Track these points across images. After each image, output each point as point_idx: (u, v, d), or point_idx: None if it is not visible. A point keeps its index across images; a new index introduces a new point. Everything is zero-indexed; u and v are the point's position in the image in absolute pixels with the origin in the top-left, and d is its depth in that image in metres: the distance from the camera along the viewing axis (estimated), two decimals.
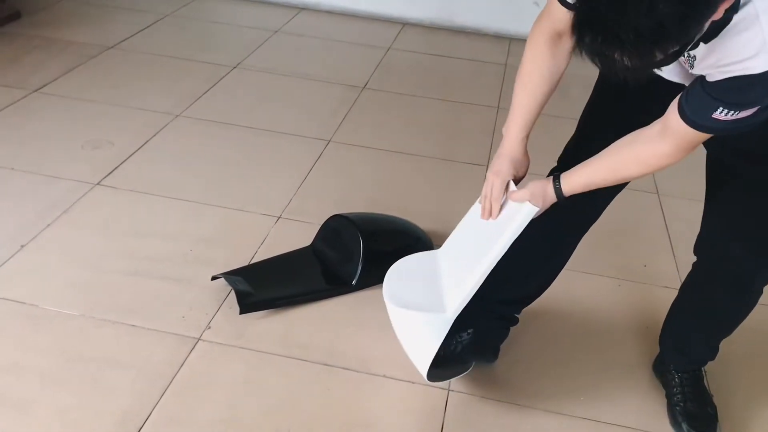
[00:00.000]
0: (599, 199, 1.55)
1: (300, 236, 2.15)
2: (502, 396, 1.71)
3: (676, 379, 1.71)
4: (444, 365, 1.63)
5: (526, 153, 1.49)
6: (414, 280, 1.60)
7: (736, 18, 1.07)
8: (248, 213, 2.28)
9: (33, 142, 2.56)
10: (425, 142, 2.83)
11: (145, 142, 2.62)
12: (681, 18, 0.95)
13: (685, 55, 1.19)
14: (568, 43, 1.39)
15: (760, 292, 1.54)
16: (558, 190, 1.42)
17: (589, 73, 1.57)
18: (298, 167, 2.56)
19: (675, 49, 1.02)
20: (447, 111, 3.11)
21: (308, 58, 3.55)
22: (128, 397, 1.59)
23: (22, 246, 2.02)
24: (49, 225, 2.12)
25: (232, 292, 1.89)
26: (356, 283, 1.97)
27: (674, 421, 1.68)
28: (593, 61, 1.04)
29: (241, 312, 1.84)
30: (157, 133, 2.69)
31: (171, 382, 1.64)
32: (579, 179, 1.41)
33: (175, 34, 3.69)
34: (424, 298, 1.55)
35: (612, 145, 1.36)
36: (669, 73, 1.34)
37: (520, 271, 1.65)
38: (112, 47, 3.40)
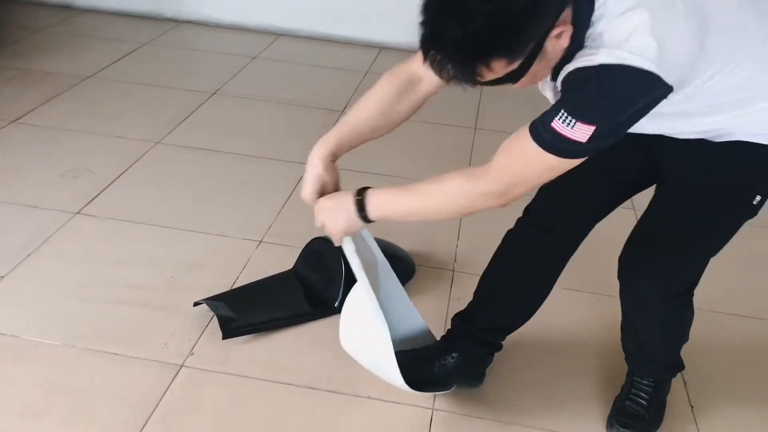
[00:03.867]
0: (580, 224, 1.59)
1: (282, 260, 2.15)
2: (486, 413, 1.72)
3: (629, 380, 1.72)
4: (425, 387, 1.64)
5: (330, 169, 1.45)
6: (358, 317, 1.59)
7: (587, 42, 1.13)
8: (229, 238, 2.28)
9: (12, 172, 2.55)
10: (404, 164, 2.86)
11: (125, 170, 2.62)
12: (490, 29, 1.03)
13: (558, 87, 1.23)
14: (424, 88, 1.43)
15: (662, 311, 1.56)
16: (361, 210, 1.35)
17: None
18: (279, 191, 2.57)
19: (512, 68, 1.08)
20: (425, 132, 3.14)
21: (287, 84, 3.58)
22: (112, 426, 1.58)
23: (2, 277, 2.01)
24: (29, 255, 2.11)
25: (215, 317, 1.89)
26: (339, 305, 1.98)
27: (608, 422, 1.70)
28: (439, 75, 1.10)
29: (224, 337, 1.84)
30: (137, 160, 2.70)
31: (154, 410, 1.63)
32: (383, 199, 1.34)
33: (154, 63, 3.71)
34: (371, 333, 1.55)
35: (438, 176, 1.32)
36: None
37: (504, 299, 1.68)
38: (91, 76, 3.41)
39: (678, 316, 1.59)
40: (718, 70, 1.19)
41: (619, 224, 2.68)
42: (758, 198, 1.38)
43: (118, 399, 1.65)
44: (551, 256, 1.62)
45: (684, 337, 1.65)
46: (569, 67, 1.15)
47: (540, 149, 1.17)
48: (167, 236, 2.27)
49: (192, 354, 1.80)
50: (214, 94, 3.36)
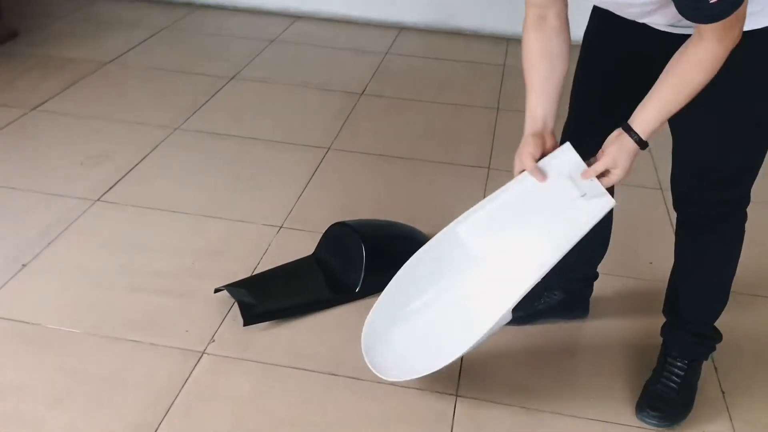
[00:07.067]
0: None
1: (302, 245, 2.13)
2: (510, 400, 1.69)
3: (660, 362, 1.69)
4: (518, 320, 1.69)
5: (547, 131, 1.46)
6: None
7: None
8: (250, 224, 2.27)
9: (32, 160, 2.56)
10: (426, 146, 2.82)
11: (145, 157, 2.61)
12: None
13: None
14: (553, 21, 1.42)
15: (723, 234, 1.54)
16: (638, 140, 1.34)
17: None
18: (299, 176, 2.55)
19: None
20: (446, 114, 3.10)
21: (305, 67, 3.55)
22: (134, 413, 1.58)
23: (24, 265, 2.01)
24: (50, 243, 2.11)
25: (236, 304, 1.88)
26: (360, 290, 1.96)
27: (638, 406, 1.67)
28: None
29: (245, 324, 1.82)
30: (157, 146, 2.69)
31: (177, 397, 1.63)
32: (650, 115, 1.33)
33: (172, 48, 3.69)
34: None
35: (663, 73, 1.31)
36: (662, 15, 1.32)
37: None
38: (109, 63, 3.40)
39: (731, 249, 1.58)
40: None
41: (645, 206, 2.64)
42: None
43: (140, 386, 1.65)
44: None
45: (731, 274, 1.62)
46: None
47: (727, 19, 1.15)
48: (187, 223, 2.26)
49: (213, 341, 1.79)
50: (232, 78, 3.33)
